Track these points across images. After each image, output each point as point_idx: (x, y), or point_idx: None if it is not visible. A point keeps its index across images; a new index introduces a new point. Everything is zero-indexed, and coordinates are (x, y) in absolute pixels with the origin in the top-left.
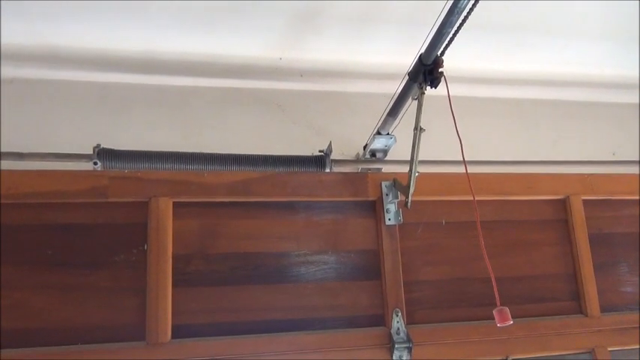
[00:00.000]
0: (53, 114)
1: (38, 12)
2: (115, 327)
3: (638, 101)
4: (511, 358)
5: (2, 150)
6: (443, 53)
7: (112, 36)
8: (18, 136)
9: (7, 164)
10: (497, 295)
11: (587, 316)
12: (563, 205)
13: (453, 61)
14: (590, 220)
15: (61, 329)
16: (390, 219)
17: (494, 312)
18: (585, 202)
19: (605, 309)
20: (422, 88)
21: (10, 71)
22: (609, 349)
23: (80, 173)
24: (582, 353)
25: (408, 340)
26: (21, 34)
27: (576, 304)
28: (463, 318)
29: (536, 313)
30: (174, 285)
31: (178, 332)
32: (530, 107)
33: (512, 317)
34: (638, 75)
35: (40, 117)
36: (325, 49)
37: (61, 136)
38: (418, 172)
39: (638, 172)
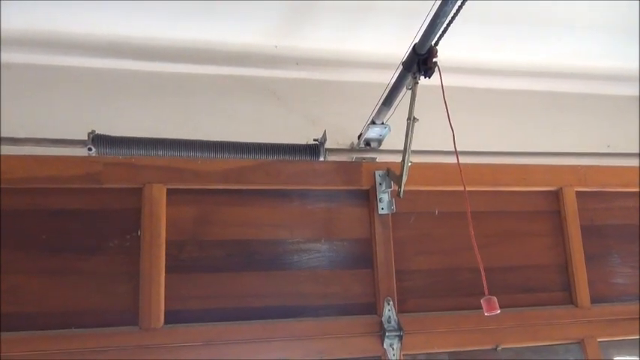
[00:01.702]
0: (49, 99)
1: None
2: (109, 312)
3: (635, 93)
4: (501, 347)
5: None
6: (437, 43)
7: (108, 22)
8: (13, 121)
9: (3, 149)
10: (485, 285)
11: (577, 306)
12: (556, 196)
13: (447, 51)
14: (582, 211)
15: (55, 313)
16: (382, 208)
17: (482, 301)
18: (578, 193)
19: (595, 300)
20: (416, 78)
21: (6, 56)
22: (598, 339)
23: (75, 159)
24: (571, 343)
25: (399, 328)
26: (18, 19)
27: (567, 294)
28: (454, 307)
29: (526, 303)
30: (167, 271)
31: (171, 318)
32: (525, 98)
33: (503, 307)
34: (635, 67)
35: (36, 102)
36: (321, 38)
37: (57, 122)
38: (411, 162)
39: (632, 165)
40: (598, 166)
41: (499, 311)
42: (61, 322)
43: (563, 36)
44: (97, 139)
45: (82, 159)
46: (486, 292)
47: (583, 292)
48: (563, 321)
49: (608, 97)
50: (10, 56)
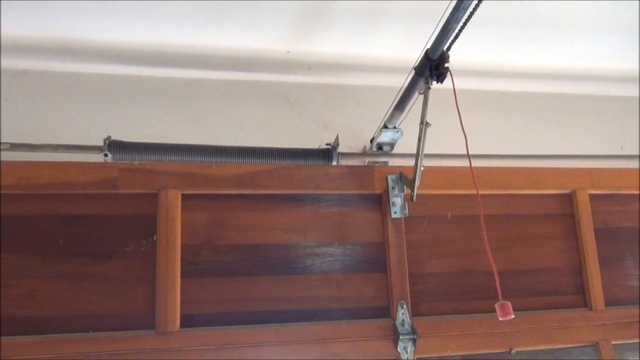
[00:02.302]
0: (64, 106)
1: (50, 5)
2: (126, 315)
3: None
4: (515, 350)
5: (15, 141)
6: (449, 48)
7: (121, 29)
8: (30, 127)
9: (20, 155)
10: (499, 289)
11: (591, 309)
12: (569, 199)
13: (459, 54)
14: (596, 214)
15: (72, 317)
16: (395, 212)
17: (496, 306)
18: (592, 196)
19: (609, 303)
20: (428, 82)
21: (22, 63)
22: (613, 342)
23: (91, 165)
24: (586, 347)
25: (413, 331)
26: (33, 27)
27: (581, 297)
28: (467, 310)
29: (540, 307)
30: (182, 275)
31: (187, 321)
32: (537, 101)
33: (516, 310)
34: None
35: (52, 109)
36: (333, 43)
37: (72, 128)
38: (424, 166)
39: None
40: (612, 169)
41: (513, 316)
42: (79, 325)
43: (574, 38)
44: (113, 145)
45: (99, 165)
46: (500, 297)
47: (597, 295)
48: (577, 324)
49: (621, 99)
50: (27, 63)
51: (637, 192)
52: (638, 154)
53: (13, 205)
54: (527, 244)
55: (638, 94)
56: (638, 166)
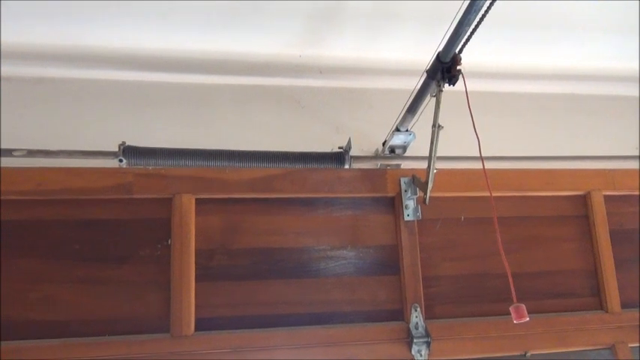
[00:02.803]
0: (79, 113)
1: (64, 13)
2: (141, 319)
3: None
4: (530, 353)
5: (31, 148)
6: (461, 51)
7: (135, 36)
8: (46, 134)
9: (36, 162)
10: (513, 291)
11: (607, 312)
12: (583, 200)
13: (471, 56)
14: (611, 215)
15: (89, 321)
16: (408, 215)
17: (510, 308)
18: (607, 197)
19: (625, 305)
20: (440, 85)
21: (37, 71)
22: (630, 345)
23: (106, 170)
24: (602, 349)
25: (427, 334)
26: (47, 34)
27: (596, 300)
28: (482, 313)
29: (555, 309)
30: (197, 279)
31: (202, 325)
32: (550, 102)
33: (531, 313)
34: None
35: (67, 116)
36: (344, 46)
37: (88, 134)
38: (436, 169)
39: None
40: (626, 169)
41: (528, 318)
42: (95, 329)
43: (586, 38)
44: (128, 151)
45: (113, 170)
46: (514, 299)
47: (613, 297)
48: (593, 326)
49: (634, 99)
50: (42, 71)
51: None
52: None
53: (31, 210)
54: (541, 246)
55: None
56: None
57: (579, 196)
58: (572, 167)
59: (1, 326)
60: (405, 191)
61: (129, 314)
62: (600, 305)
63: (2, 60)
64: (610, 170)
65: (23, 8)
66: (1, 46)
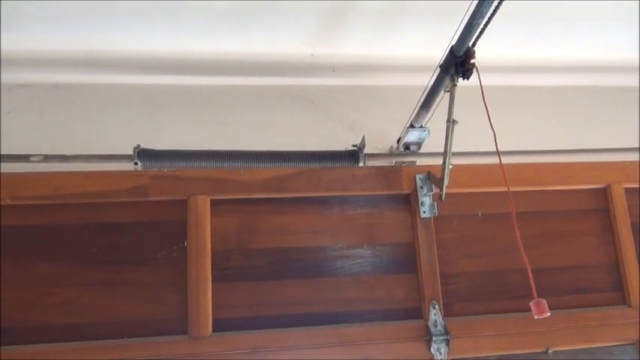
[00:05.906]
0: (94, 117)
1: (77, 19)
2: (159, 321)
3: None
4: (552, 349)
5: (48, 153)
6: (474, 44)
7: (148, 40)
8: (62, 139)
9: (53, 166)
10: (533, 287)
11: (630, 306)
12: (603, 194)
13: (485, 49)
14: (632, 208)
15: (107, 324)
16: (425, 212)
17: (531, 304)
18: (627, 190)
19: None
20: (454, 80)
21: (53, 77)
22: None
23: (122, 173)
24: (626, 345)
25: (446, 332)
26: (62, 41)
27: (619, 294)
28: (502, 310)
29: (577, 305)
30: (214, 280)
31: (219, 326)
32: (566, 94)
33: (552, 309)
34: None
35: (82, 120)
36: (356, 44)
37: (103, 138)
38: (452, 165)
39: None
40: None
41: (549, 314)
42: (114, 332)
43: (603, 29)
44: (143, 154)
45: (129, 173)
46: (535, 295)
47: (636, 291)
48: (616, 322)
49: None
50: (57, 76)
51: None
52: None
53: (48, 215)
54: (561, 240)
55: None
56: None
57: (599, 189)
58: (592, 160)
59: (21, 330)
60: (421, 188)
61: (147, 316)
62: (623, 300)
63: (19, 67)
64: (630, 162)
65: (38, 17)
66: (18, 54)
